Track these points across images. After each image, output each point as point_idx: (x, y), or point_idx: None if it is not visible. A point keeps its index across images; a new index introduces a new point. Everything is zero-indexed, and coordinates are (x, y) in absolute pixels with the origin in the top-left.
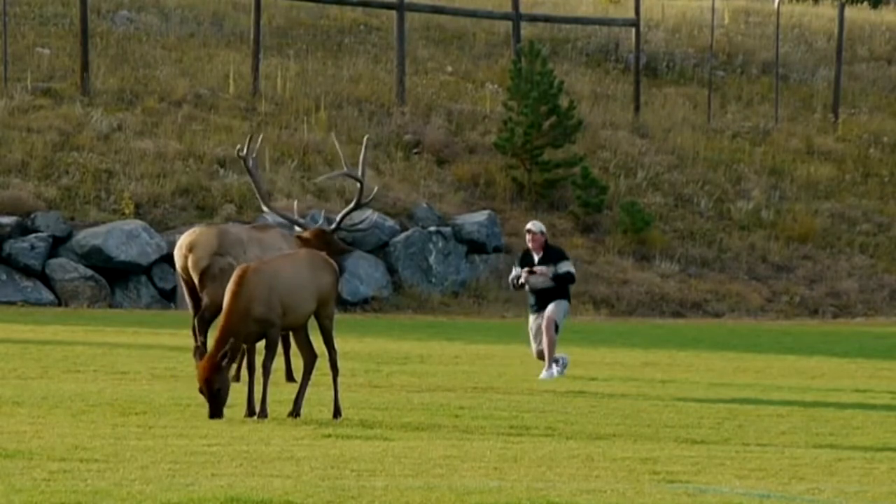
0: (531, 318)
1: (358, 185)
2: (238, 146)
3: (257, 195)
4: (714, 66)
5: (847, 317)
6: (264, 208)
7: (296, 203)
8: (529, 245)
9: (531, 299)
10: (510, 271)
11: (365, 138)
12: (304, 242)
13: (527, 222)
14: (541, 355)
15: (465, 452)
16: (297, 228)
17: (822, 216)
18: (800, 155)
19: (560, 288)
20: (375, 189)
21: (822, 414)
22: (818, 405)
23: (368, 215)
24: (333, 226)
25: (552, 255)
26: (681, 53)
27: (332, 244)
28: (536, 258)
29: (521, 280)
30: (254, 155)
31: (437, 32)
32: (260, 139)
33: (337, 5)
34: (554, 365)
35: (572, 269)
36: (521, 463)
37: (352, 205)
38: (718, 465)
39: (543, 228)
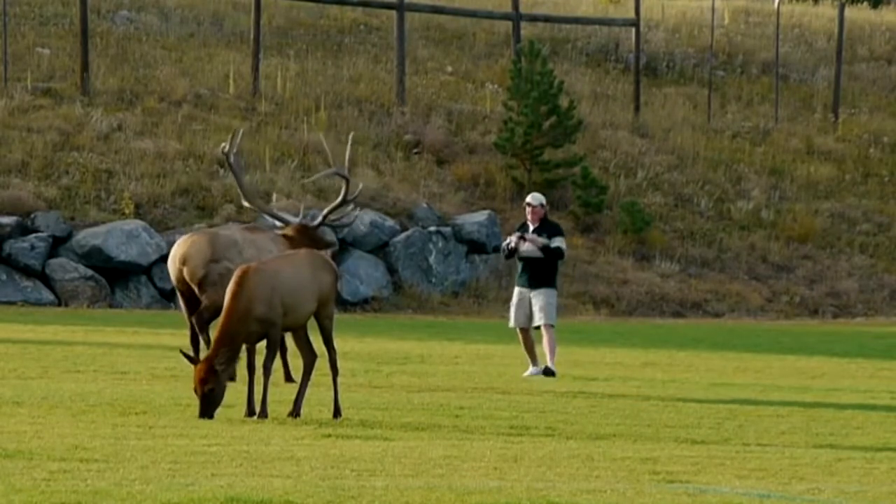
0: (517, 289)
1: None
2: (223, 144)
3: (239, 191)
4: (714, 66)
5: (847, 317)
6: (245, 204)
7: (274, 196)
8: (528, 218)
9: (520, 272)
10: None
11: (350, 135)
12: (288, 240)
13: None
14: (521, 329)
15: (465, 452)
16: (279, 224)
17: (822, 216)
18: (800, 155)
19: (549, 265)
20: (361, 186)
21: (822, 414)
22: (818, 405)
23: (350, 210)
24: (318, 221)
25: (548, 228)
26: (681, 53)
27: (316, 239)
28: (532, 229)
29: (512, 245)
30: (235, 150)
31: (437, 32)
32: (241, 134)
33: (337, 5)
34: (531, 366)
35: (563, 247)
36: (522, 463)
37: (337, 201)
38: (718, 465)
39: (543, 201)
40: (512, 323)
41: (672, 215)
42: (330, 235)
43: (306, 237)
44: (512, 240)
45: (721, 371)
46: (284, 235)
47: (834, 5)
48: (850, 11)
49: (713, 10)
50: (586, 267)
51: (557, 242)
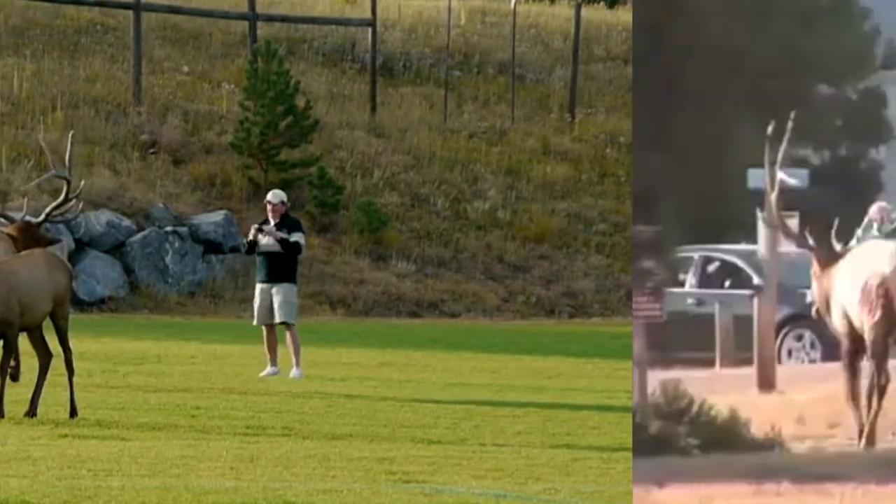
0: (258, 286)
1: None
2: None
3: None
4: (450, 66)
5: (583, 317)
6: None
7: None
8: (269, 215)
9: (259, 267)
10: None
11: (70, 134)
12: (12, 238)
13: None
14: (266, 327)
15: (202, 452)
16: (2, 222)
17: (558, 216)
18: (536, 155)
19: (288, 259)
20: (83, 183)
21: (558, 414)
22: (554, 405)
23: (72, 206)
24: (41, 219)
25: (288, 223)
26: (417, 53)
27: (38, 237)
28: (272, 223)
29: (251, 236)
30: None
31: (173, 32)
32: None
33: (73, 5)
34: (269, 366)
35: (302, 242)
36: (258, 463)
37: (59, 200)
38: (455, 465)
39: (284, 198)
40: (256, 321)
41: (408, 215)
42: (66, 236)
43: (28, 235)
44: (251, 232)
45: (457, 371)
46: (9, 234)
47: (570, 5)
48: (586, 11)
49: (449, 9)
50: (323, 267)
51: (296, 237)
